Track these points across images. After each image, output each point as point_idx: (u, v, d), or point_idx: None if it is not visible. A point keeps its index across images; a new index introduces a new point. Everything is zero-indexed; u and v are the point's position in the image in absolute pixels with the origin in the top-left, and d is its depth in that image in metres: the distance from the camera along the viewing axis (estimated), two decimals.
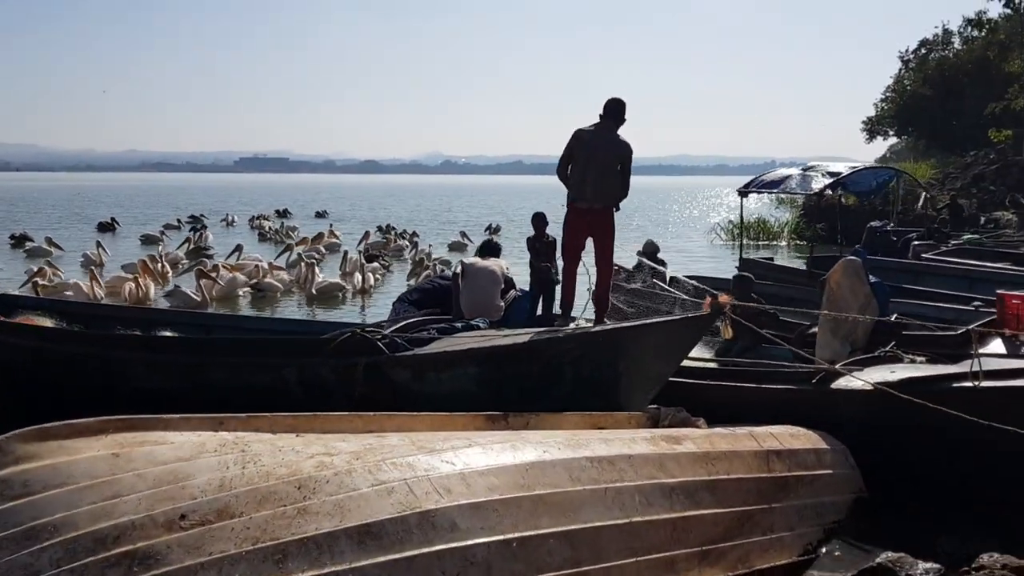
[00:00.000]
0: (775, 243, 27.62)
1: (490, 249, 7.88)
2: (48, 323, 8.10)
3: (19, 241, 26.03)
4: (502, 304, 7.11)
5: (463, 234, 27.16)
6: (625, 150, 6.15)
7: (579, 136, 6.14)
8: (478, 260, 7.45)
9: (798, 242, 25.82)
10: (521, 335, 5.78)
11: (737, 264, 13.32)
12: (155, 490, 2.79)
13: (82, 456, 2.85)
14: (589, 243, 6.31)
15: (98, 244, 21.55)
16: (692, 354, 6.22)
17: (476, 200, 75.55)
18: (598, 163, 6.07)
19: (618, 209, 6.27)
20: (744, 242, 26.67)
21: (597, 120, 6.23)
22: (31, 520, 2.59)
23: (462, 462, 3.33)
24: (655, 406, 5.18)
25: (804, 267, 13.45)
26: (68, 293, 13.29)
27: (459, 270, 7.26)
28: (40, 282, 13.70)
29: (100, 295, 13.58)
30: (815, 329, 6.87)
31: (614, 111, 6.18)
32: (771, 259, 15.14)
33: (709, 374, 6.39)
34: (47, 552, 2.50)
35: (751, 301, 7.55)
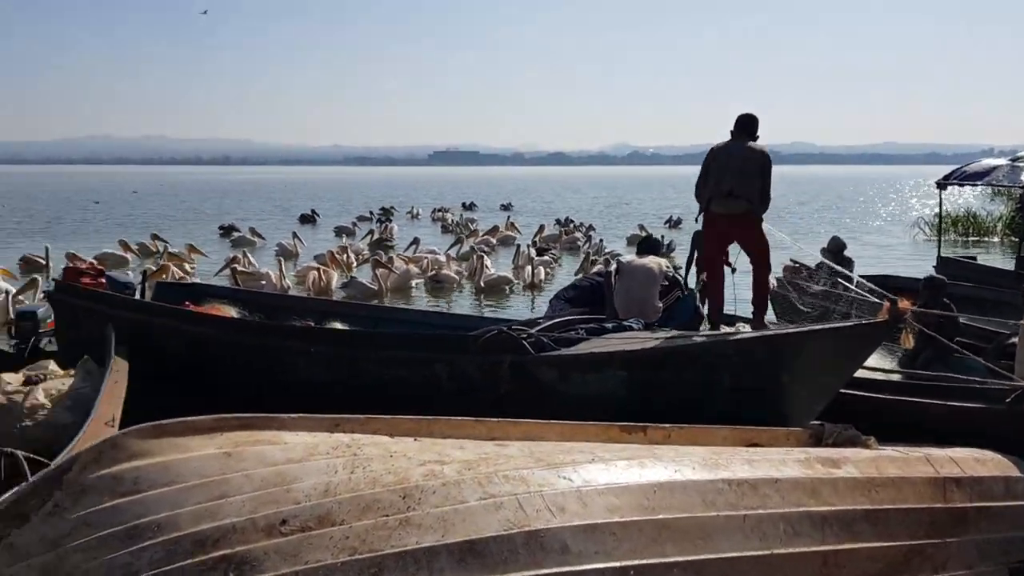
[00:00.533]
0: (986, 240, 25.30)
1: (649, 246, 7.58)
2: (232, 312, 8.58)
3: (227, 231, 28.07)
4: (660, 305, 6.80)
5: (641, 227, 26.76)
6: (762, 157, 6.11)
7: (713, 152, 6.22)
8: (635, 258, 7.16)
9: (1013, 239, 23.54)
10: (674, 338, 5.48)
11: (935, 263, 12.22)
12: (260, 492, 2.76)
13: (194, 454, 2.86)
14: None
15: (294, 235, 22.81)
16: (868, 364, 5.69)
17: (659, 192, 74.38)
18: (734, 168, 6.05)
19: (760, 219, 6.16)
20: (952, 238, 24.51)
21: (729, 137, 6.28)
22: (136, 518, 2.62)
23: (581, 478, 3.10)
24: (819, 422, 4.74)
25: (1012, 268, 12.14)
26: (262, 282, 14.13)
27: (614, 268, 7.02)
28: (239, 269, 14.60)
29: (287, 285, 14.32)
30: (1015, 339, 6.10)
31: (746, 126, 6.22)
32: (974, 258, 13.77)
33: (885, 387, 5.81)
34: (147, 552, 2.51)
35: (942, 306, 6.83)
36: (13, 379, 6.43)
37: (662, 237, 8.10)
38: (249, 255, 17.61)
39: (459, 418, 3.67)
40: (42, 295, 9.75)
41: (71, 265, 9.15)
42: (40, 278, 12.28)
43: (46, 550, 2.56)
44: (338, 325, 8.14)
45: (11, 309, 10.52)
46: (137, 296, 8.95)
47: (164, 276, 12.79)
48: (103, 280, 8.82)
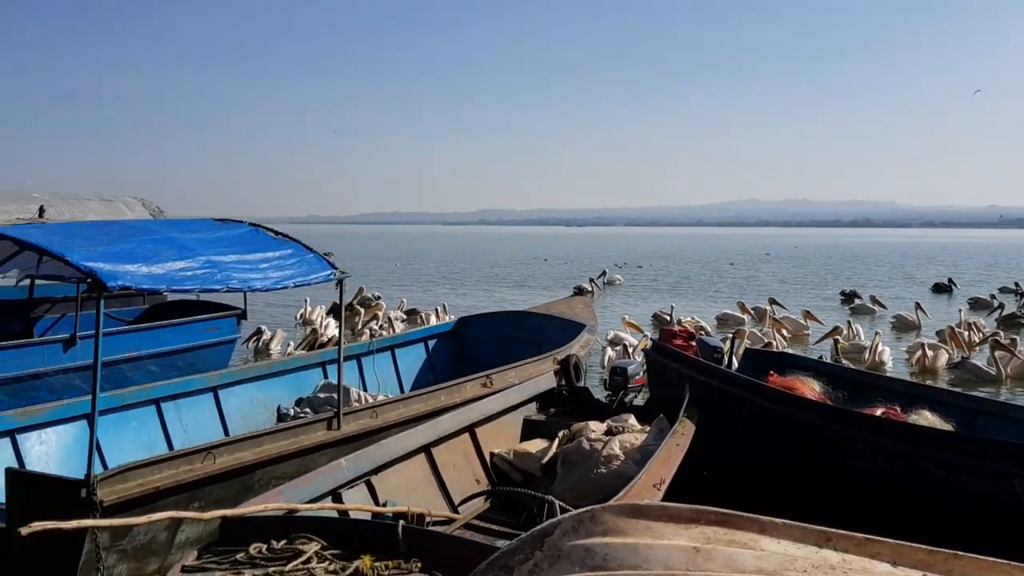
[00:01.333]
0: None
1: None
2: (815, 386, 8.34)
3: (848, 298, 27.43)
4: None
5: None
6: None
7: None
8: None
9: None
10: None
11: None
12: None
13: (664, 543, 2.79)
14: None
15: (917, 306, 21.24)
16: None
17: None
18: None
19: None
20: None
21: None
22: None
23: None
24: None
25: None
26: (865, 355, 13.47)
27: None
28: (840, 341, 14.15)
29: (877, 359, 13.33)
30: None
31: None
32: None
33: None
34: None
35: None
36: (597, 428, 7.17)
37: None
38: (856, 325, 16.92)
39: (996, 560, 2.95)
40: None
41: (667, 327, 9.87)
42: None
43: None
44: (926, 413, 7.30)
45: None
46: (725, 362, 9.25)
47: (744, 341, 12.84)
48: (693, 343, 9.34)
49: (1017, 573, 2.94)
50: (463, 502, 6.25)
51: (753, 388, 7.24)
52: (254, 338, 14.18)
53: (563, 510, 4.33)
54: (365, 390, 8.92)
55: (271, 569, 3.55)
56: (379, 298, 22.36)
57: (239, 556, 3.72)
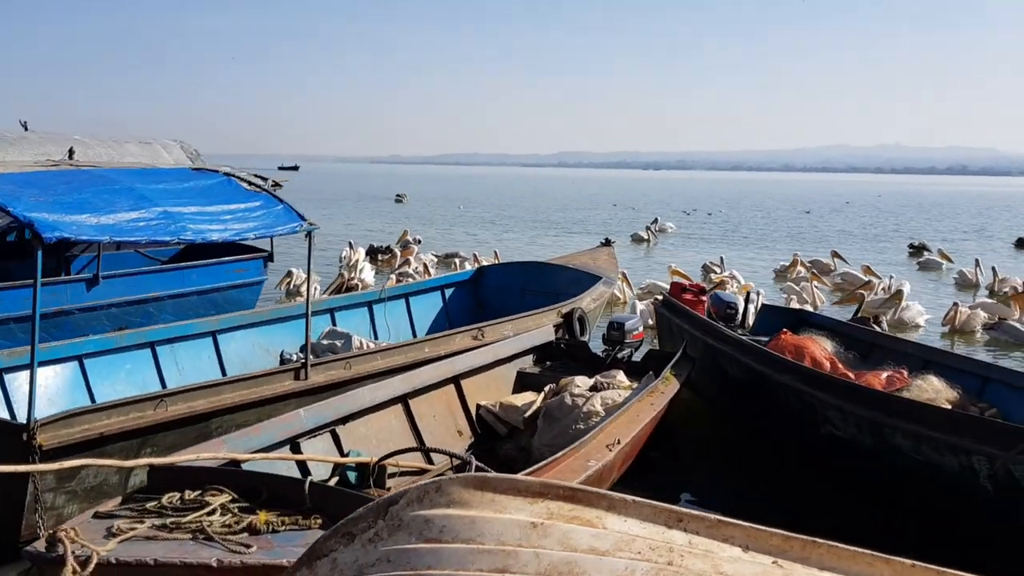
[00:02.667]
0: None
1: None
2: (827, 345, 8.10)
3: (916, 251, 26.37)
4: None
5: None
6: None
7: None
8: None
9: None
10: None
11: None
12: None
13: (504, 517, 2.74)
14: None
15: (976, 263, 20.08)
16: None
17: None
18: None
19: None
20: None
21: None
22: (424, 568, 2.62)
23: None
24: None
25: None
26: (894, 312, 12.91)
27: None
28: (864, 296, 13.43)
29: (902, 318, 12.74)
30: None
31: None
32: None
33: None
34: None
35: None
36: (583, 383, 7.11)
37: None
38: (901, 285, 16.13)
39: (854, 549, 2.82)
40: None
41: (678, 280, 9.66)
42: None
43: (352, 575, 2.76)
44: (932, 379, 7.02)
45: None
46: (739, 318, 9.05)
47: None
48: (704, 298, 9.14)
49: (878, 564, 2.82)
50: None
51: (738, 345, 7.08)
52: (285, 280, 14.37)
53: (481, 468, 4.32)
54: (376, 339, 9.03)
55: (169, 520, 3.64)
56: (419, 241, 22.47)
57: (149, 505, 3.84)
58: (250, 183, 6.03)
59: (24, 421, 4.43)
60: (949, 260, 22.99)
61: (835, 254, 21.13)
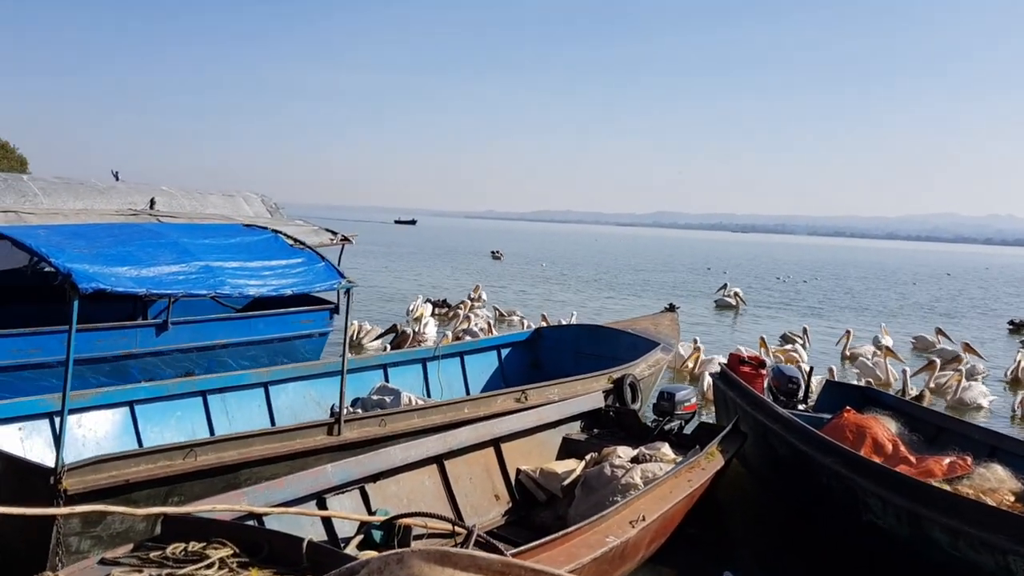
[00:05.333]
0: None
1: None
2: (891, 426, 7.74)
3: (1016, 328, 25.14)
4: None
5: None
6: None
7: None
8: None
9: None
10: None
11: None
12: None
13: None
14: None
15: None
16: None
17: None
18: None
19: None
20: None
21: None
22: None
23: None
24: None
25: None
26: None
27: None
28: (937, 377, 12.85)
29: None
30: None
31: None
32: None
33: None
34: None
35: None
36: (625, 454, 6.95)
37: None
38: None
39: None
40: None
41: (736, 352, 9.40)
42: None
43: None
44: (997, 468, 6.59)
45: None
46: (802, 393, 8.76)
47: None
48: (764, 371, 8.87)
49: None
50: (478, 516, 6.22)
51: (784, 423, 6.81)
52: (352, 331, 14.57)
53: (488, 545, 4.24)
54: (428, 396, 9.06)
55: (166, 572, 3.69)
56: (480, 299, 22.57)
57: (153, 554, 3.90)
58: (296, 240, 6.19)
59: (52, 465, 4.57)
60: None
61: (939, 331, 20.12)
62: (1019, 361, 12.01)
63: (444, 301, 20.43)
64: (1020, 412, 11.96)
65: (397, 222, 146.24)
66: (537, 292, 30.03)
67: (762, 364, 8.91)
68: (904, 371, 12.66)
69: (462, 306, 19.13)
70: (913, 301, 36.63)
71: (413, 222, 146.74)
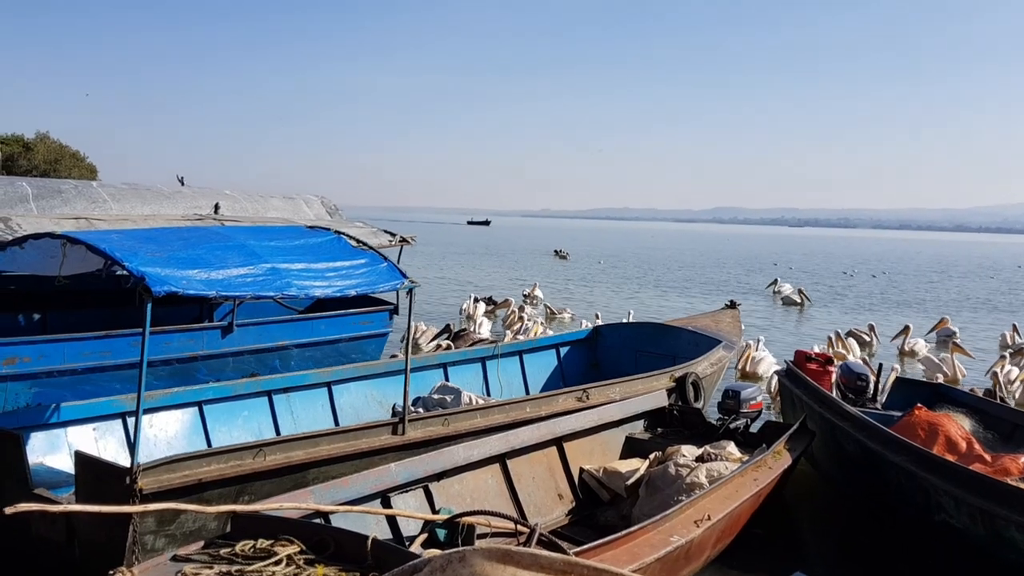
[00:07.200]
0: None
1: None
2: (965, 423, 7.53)
3: None
4: None
5: None
6: None
7: None
8: None
9: None
10: None
11: None
12: None
13: None
14: None
15: None
16: None
17: None
18: None
19: None
20: None
21: None
22: None
23: None
24: None
25: None
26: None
27: None
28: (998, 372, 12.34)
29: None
30: None
31: None
32: None
33: None
34: None
35: None
36: (689, 453, 6.87)
37: None
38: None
39: None
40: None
41: (803, 350, 9.21)
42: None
43: None
44: None
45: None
46: (871, 391, 8.57)
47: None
48: (831, 368, 8.69)
49: None
50: (541, 516, 6.22)
51: (853, 421, 6.65)
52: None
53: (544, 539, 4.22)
54: (488, 395, 9.08)
55: (235, 568, 3.75)
56: (533, 298, 22.56)
57: (223, 551, 3.97)
58: (358, 241, 6.25)
59: (128, 465, 4.68)
60: None
61: (1016, 328, 19.48)
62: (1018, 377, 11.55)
63: (490, 298, 20.48)
64: None
65: (470, 223, 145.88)
66: (598, 290, 29.89)
67: (829, 361, 8.71)
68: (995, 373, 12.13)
69: (507, 304, 19.21)
70: (981, 295, 35.56)
71: (487, 223, 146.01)
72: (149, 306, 4.59)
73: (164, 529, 4.80)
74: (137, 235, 5.44)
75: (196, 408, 6.84)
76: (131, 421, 6.31)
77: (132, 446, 4.70)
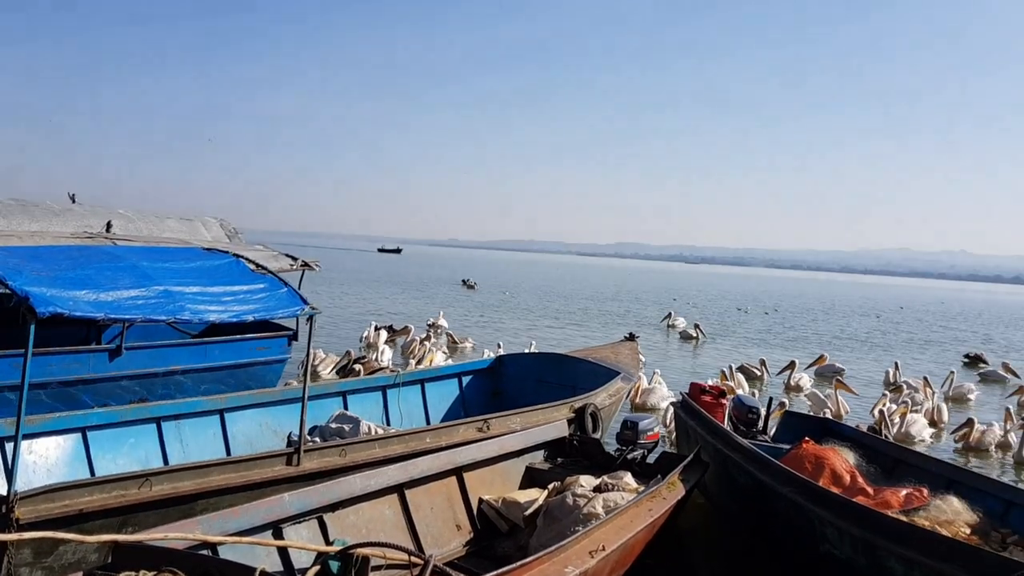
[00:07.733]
0: None
1: None
2: (849, 457, 7.81)
3: (972, 361, 25.55)
4: None
5: None
6: None
7: None
8: None
9: None
10: None
11: None
12: None
13: None
14: None
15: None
16: None
17: None
18: None
19: None
20: None
21: None
22: None
23: None
24: None
25: None
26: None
27: None
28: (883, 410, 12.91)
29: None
30: None
31: None
32: None
33: None
34: None
35: None
36: (587, 483, 6.93)
37: None
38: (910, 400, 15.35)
39: None
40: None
41: (698, 382, 9.47)
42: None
43: None
44: (953, 500, 6.69)
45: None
46: (761, 423, 8.83)
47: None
48: (724, 401, 8.93)
49: None
50: (439, 547, 6.15)
51: (744, 452, 6.85)
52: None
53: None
54: (388, 424, 8.95)
55: None
56: (436, 327, 22.54)
57: None
58: (258, 265, 6.12)
59: (4, 493, 4.44)
60: (1015, 374, 21.70)
61: (897, 366, 20.31)
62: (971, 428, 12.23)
63: (391, 327, 20.31)
64: (961, 444, 12.19)
65: (381, 250, 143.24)
66: (501, 321, 29.99)
67: (723, 394, 8.97)
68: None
69: (407, 331, 19.10)
70: (864, 333, 37.25)
71: (398, 251, 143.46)
72: (32, 327, 4.38)
73: (41, 561, 4.55)
74: (22, 252, 5.19)
75: (79, 434, 6.53)
76: (9, 447, 5.99)
77: (9, 473, 4.45)
